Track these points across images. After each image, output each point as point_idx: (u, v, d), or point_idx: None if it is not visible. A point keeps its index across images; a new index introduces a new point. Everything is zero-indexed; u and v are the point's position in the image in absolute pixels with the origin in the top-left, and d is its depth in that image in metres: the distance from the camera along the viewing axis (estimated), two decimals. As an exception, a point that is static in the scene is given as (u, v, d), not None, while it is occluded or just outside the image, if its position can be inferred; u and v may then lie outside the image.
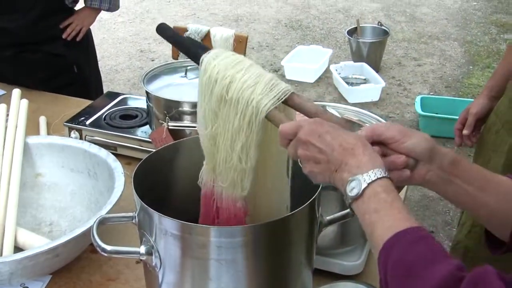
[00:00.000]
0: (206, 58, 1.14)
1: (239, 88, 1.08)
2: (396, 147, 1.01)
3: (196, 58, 1.19)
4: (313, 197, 1.12)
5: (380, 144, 1.01)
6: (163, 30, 1.30)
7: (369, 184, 0.92)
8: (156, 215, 1.09)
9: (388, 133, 1.01)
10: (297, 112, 1.13)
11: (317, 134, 0.99)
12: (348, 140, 0.97)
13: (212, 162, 1.17)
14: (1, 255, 1.51)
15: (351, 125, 1.10)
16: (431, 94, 5.08)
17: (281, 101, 1.08)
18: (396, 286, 0.85)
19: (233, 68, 1.10)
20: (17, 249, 1.52)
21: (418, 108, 4.46)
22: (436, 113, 4.41)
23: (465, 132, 2.16)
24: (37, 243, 1.50)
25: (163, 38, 1.32)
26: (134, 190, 1.15)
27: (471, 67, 5.65)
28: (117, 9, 2.89)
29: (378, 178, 0.92)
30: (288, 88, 1.09)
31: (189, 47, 1.25)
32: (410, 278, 0.83)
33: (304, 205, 1.11)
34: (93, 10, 2.83)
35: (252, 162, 1.12)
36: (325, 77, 5.39)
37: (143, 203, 1.11)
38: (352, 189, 0.94)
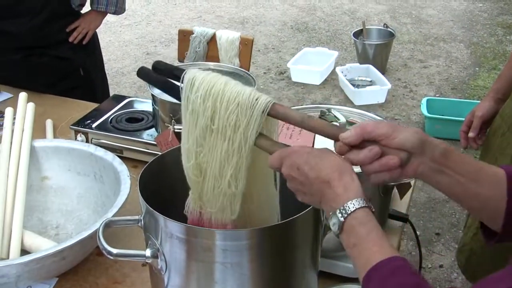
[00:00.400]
0: (185, 92, 1.11)
1: (223, 117, 1.07)
2: (388, 142, 1.00)
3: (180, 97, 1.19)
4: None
5: (372, 142, 1.01)
6: (144, 74, 1.30)
7: (345, 218, 0.95)
8: (161, 218, 1.09)
9: (379, 130, 1.00)
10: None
11: (296, 167, 1.02)
12: (325, 171, 0.99)
13: (198, 191, 1.16)
14: (8, 258, 1.52)
15: (338, 129, 1.08)
16: (437, 96, 5.07)
17: (265, 114, 1.07)
18: None
19: (211, 96, 1.09)
20: (24, 252, 1.53)
21: (424, 110, 4.45)
22: (442, 115, 4.41)
23: (470, 134, 2.16)
24: (43, 246, 1.51)
25: (145, 81, 1.32)
26: (139, 193, 1.16)
27: (477, 68, 5.64)
28: (123, 12, 2.90)
29: (352, 212, 0.94)
30: (269, 100, 1.08)
31: (171, 88, 1.25)
32: None
33: (309, 208, 1.11)
34: (99, 13, 2.84)
35: (242, 185, 1.12)
36: (331, 79, 5.39)
37: (149, 206, 1.12)
38: (334, 225, 0.97)
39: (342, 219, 0.95)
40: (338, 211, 0.95)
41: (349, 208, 0.94)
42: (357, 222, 0.94)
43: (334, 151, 1.05)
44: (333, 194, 0.97)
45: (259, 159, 1.12)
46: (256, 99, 1.07)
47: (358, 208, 0.94)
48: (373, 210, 0.97)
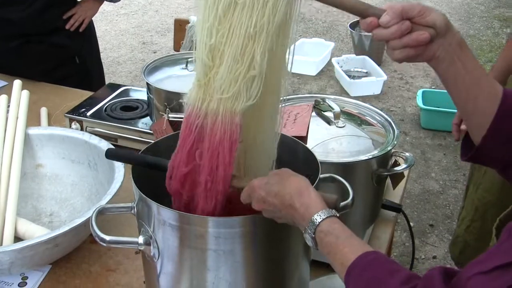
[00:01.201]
0: None
1: None
2: (420, 20, 1.04)
3: (159, 168, 1.20)
4: (311, 189, 1.12)
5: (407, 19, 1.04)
6: (113, 155, 1.36)
7: (314, 233, 1.02)
8: (154, 205, 1.09)
9: (415, 10, 1.04)
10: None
11: (262, 201, 1.08)
12: (285, 196, 1.05)
13: (206, 77, 1.09)
14: (1, 244, 1.52)
15: (367, 6, 1.09)
16: (433, 88, 5.07)
17: None
18: None
19: None
20: (18, 239, 1.53)
21: (419, 101, 4.46)
22: (438, 107, 4.40)
23: (463, 127, 2.15)
24: (37, 233, 1.51)
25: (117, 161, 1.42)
26: (132, 180, 1.16)
27: (473, 61, 5.63)
28: (119, 0, 2.89)
29: (317, 226, 1.01)
30: None
31: (147, 162, 1.27)
32: None
33: (302, 196, 1.11)
34: (96, 1, 2.83)
35: (264, 66, 1.06)
36: (327, 70, 5.39)
37: (142, 194, 1.11)
38: (308, 241, 1.03)
39: (312, 234, 1.02)
40: (307, 228, 1.02)
41: (313, 223, 1.01)
42: (323, 234, 1.00)
43: (290, 171, 1.11)
44: (298, 215, 1.04)
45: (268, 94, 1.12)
46: None
47: (321, 221, 1.01)
48: (337, 215, 1.03)
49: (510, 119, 1.10)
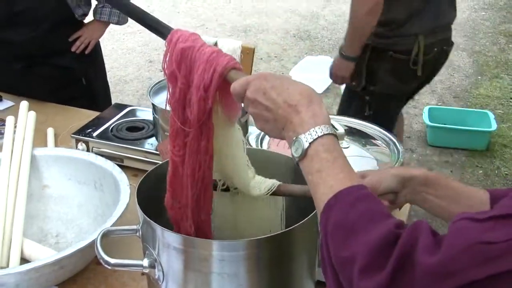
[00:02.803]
0: None
1: None
2: (376, 193, 1.15)
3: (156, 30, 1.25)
4: (315, 211, 1.12)
5: None
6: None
7: (310, 144, 0.92)
8: (159, 228, 1.10)
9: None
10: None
11: (262, 91, 0.99)
12: (293, 96, 0.97)
13: None
14: (8, 266, 1.52)
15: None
16: (439, 105, 5.07)
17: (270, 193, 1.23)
18: (335, 246, 0.85)
19: None
20: (24, 260, 1.54)
21: (426, 118, 4.45)
22: (444, 124, 4.40)
23: None
24: (43, 255, 1.51)
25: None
26: (137, 203, 1.16)
27: (479, 77, 5.64)
28: (126, 22, 2.90)
29: (319, 137, 0.92)
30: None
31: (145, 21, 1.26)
32: (350, 238, 0.83)
33: (306, 218, 1.11)
34: (102, 23, 2.85)
35: None
36: (333, 88, 5.40)
37: (146, 217, 1.12)
38: (297, 150, 0.94)
39: (307, 144, 0.93)
40: (303, 135, 0.93)
41: (316, 133, 0.93)
42: (323, 148, 0.92)
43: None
44: (299, 120, 0.95)
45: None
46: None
47: (326, 134, 0.93)
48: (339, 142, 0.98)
49: None
